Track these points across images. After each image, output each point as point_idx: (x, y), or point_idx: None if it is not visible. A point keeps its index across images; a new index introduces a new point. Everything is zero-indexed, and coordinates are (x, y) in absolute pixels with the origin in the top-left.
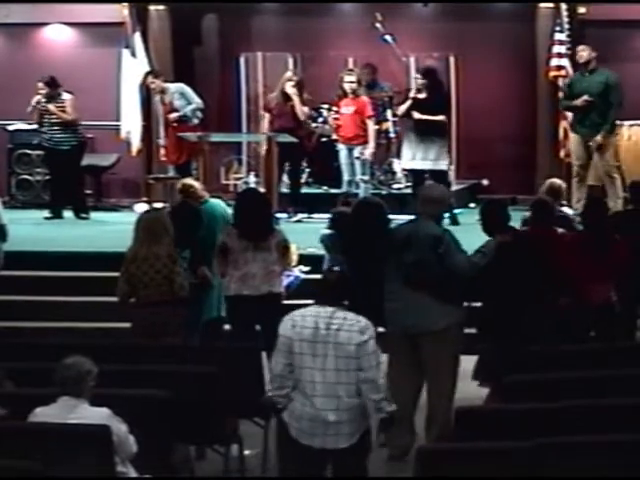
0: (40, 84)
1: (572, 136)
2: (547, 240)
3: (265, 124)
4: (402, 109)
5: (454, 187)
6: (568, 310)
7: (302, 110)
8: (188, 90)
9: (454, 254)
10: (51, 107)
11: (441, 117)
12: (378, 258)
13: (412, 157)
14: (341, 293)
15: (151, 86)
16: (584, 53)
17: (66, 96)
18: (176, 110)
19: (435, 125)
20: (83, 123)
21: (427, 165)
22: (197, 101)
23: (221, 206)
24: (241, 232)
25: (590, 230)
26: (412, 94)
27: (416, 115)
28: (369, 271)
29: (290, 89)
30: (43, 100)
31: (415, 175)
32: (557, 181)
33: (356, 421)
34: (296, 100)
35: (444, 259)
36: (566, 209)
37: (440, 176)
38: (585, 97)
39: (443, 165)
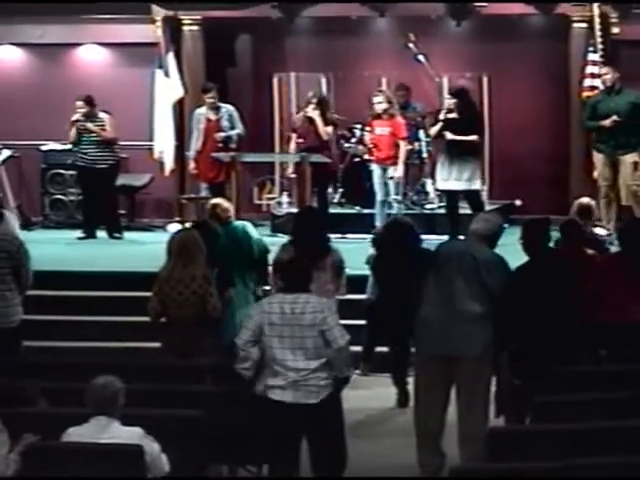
0: (79, 103)
1: (597, 157)
2: (577, 261)
3: (292, 144)
4: (434, 131)
5: (487, 207)
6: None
7: (325, 131)
8: (236, 115)
9: (498, 274)
10: (91, 126)
11: (474, 137)
12: (411, 278)
13: (446, 178)
14: (304, 280)
15: (208, 101)
16: (609, 76)
17: (103, 115)
18: (222, 130)
19: (468, 145)
20: (118, 143)
21: (461, 185)
22: (240, 127)
23: (246, 229)
24: (298, 250)
25: (627, 250)
26: (442, 115)
27: (449, 136)
28: (399, 291)
29: (311, 112)
30: (82, 119)
31: (449, 195)
32: (586, 200)
33: (322, 383)
34: (318, 121)
35: (487, 280)
36: (599, 229)
37: (474, 196)
38: (614, 117)
39: (477, 185)
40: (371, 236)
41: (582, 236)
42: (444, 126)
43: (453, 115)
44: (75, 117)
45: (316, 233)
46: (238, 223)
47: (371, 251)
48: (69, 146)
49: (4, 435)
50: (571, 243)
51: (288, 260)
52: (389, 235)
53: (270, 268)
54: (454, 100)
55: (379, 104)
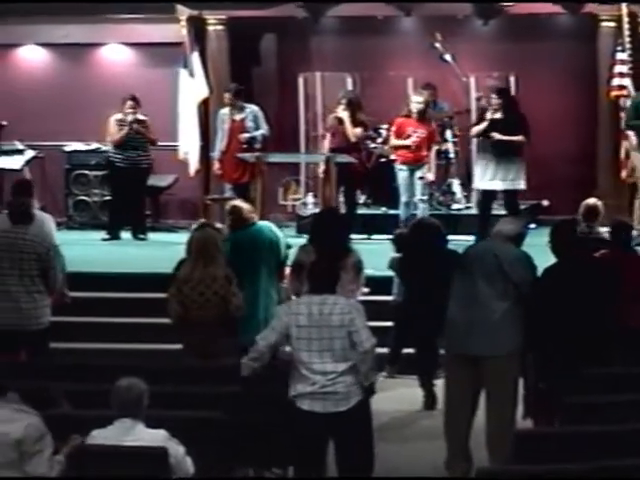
0: (131, 102)
1: (638, 156)
2: (625, 263)
3: (326, 144)
4: (478, 129)
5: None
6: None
7: (353, 132)
8: (261, 115)
9: (522, 269)
10: (139, 127)
11: (520, 137)
12: (438, 278)
13: (492, 177)
14: (331, 281)
15: (226, 101)
16: None
17: (142, 116)
18: (247, 130)
19: (514, 145)
20: None
21: (506, 185)
22: (265, 127)
23: (270, 230)
24: (319, 250)
25: None
26: (489, 115)
27: (497, 136)
28: (425, 292)
29: (341, 112)
30: (135, 119)
31: (487, 196)
32: (592, 201)
33: (350, 388)
34: (347, 122)
35: (512, 275)
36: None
37: (514, 196)
38: None
39: (521, 185)
40: (393, 236)
41: (630, 237)
42: (490, 126)
43: (498, 115)
44: (130, 118)
45: (337, 233)
46: (263, 224)
47: (392, 254)
48: (95, 146)
49: (48, 437)
50: (619, 244)
51: (313, 261)
52: (416, 236)
53: (287, 268)
54: (499, 100)
55: (417, 104)
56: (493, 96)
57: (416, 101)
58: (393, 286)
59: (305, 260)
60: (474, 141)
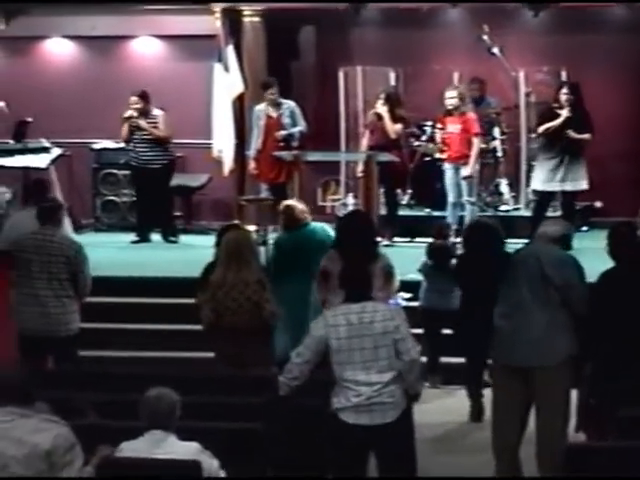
0: (134, 98)
1: None
2: None
3: (364, 142)
4: (546, 127)
5: None
6: None
7: (392, 128)
8: (298, 111)
9: (565, 271)
10: (142, 123)
11: (588, 135)
12: (495, 282)
13: (562, 179)
14: (367, 288)
15: (269, 97)
16: None
17: (157, 112)
18: (283, 127)
19: (581, 144)
20: (173, 141)
21: (573, 186)
22: (303, 124)
23: (324, 231)
24: (346, 256)
25: None
26: (566, 112)
27: (573, 134)
28: (483, 298)
29: (380, 108)
30: (135, 115)
31: (548, 197)
32: None
33: (396, 397)
34: (386, 118)
35: (555, 278)
36: None
37: (575, 196)
38: None
39: (584, 185)
40: (427, 246)
41: None
42: (564, 124)
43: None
44: (128, 113)
45: (365, 237)
46: (317, 224)
47: (425, 260)
48: (122, 144)
49: (78, 448)
50: None
51: (342, 268)
52: (473, 239)
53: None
54: (571, 96)
55: (451, 99)
56: (564, 91)
57: (450, 96)
58: (420, 291)
59: (330, 267)
60: (524, 139)
